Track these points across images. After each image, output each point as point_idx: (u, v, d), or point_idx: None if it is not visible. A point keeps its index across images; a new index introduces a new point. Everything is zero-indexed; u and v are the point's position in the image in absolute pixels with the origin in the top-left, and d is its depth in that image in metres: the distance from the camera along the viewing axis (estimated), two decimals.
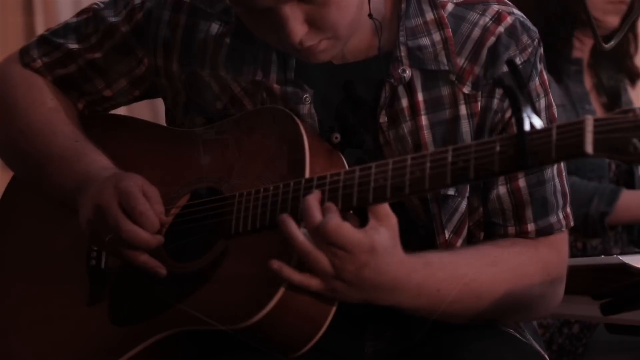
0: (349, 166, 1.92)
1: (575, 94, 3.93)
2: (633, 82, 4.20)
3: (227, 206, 1.87)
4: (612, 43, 2.87)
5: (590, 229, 3.76)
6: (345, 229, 1.72)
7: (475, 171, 1.70)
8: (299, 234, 1.72)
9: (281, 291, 1.84)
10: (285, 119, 1.97)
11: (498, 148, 1.68)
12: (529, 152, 1.60)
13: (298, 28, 1.73)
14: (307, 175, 1.89)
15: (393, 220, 1.74)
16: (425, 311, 1.90)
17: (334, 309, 1.90)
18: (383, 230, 1.63)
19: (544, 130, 1.62)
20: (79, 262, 2.17)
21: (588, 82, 4.14)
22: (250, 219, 1.82)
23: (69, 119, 2.16)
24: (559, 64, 3.92)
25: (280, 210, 1.87)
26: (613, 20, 3.92)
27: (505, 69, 1.90)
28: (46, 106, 2.16)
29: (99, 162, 2.07)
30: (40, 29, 4.20)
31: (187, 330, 1.97)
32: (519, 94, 1.59)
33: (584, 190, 3.69)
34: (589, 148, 1.57)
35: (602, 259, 2.69)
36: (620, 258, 2.59)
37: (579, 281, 2.38)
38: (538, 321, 3.57)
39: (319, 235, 1.63)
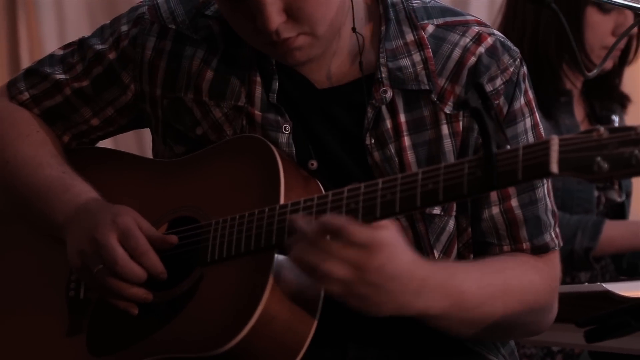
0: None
1: (564, 125, 3.94)
2: (624, 106, 4.23)
3: (204, 234, 1.88)
4: (594, 72, 2.91)
5: (577, 264, 3.75)
6: (354, 225, 1.70)
7: (445, 193, 1.70)
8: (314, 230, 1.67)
9: (255, 318, 1.84)
10: (261, 148, 1.98)
11: (466, 170, 1.68)
12: (496, 173, 1.61)
13: (275, 15, 1.74)
14: (282, 202, 1.90)
15: (389, 223, 1.73)
16: (455, 319, 1.85)
17: (310, 335, 1.89)
18: (385, 229, 1.62)
19: (511, 151, 1.63)
20: (58, 292, 2.17)
21: (580, 113, 4.16)
22: (225, 246, 1.82)
23: (56, 151, 2.17)
24: (549, 97, 3.94)
25: (255, 237, 1.88)
26: (608, 65, 3.97)
27: (488, 89, 1.91)
28: (32, 138, 2.17)
29: (87, 193, 2.08)
30: (25, 60, 4.23)
31: (164, 358, 1.96)
32: (485, 116, 1.60)
33: (567, 225, 3.69)
34: (554, 167, 1.58)
35: (586, 287, 2.69)
36: (604, 285, 2.59)
37: (563, 308, 2.37)
38: (521, 351, 3.56)
39: (324, 243, 1.61)
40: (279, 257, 1.78)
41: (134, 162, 2.23)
